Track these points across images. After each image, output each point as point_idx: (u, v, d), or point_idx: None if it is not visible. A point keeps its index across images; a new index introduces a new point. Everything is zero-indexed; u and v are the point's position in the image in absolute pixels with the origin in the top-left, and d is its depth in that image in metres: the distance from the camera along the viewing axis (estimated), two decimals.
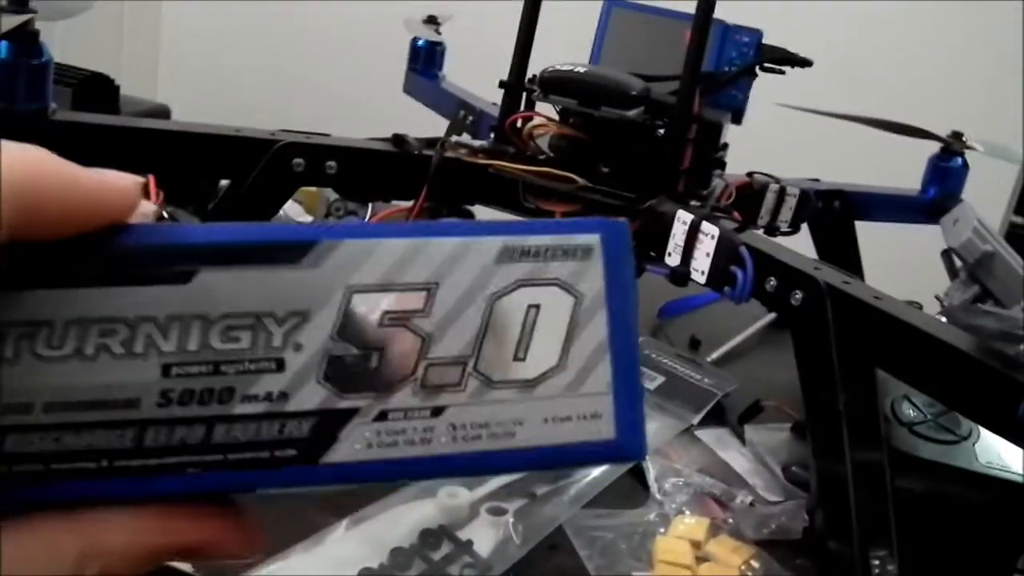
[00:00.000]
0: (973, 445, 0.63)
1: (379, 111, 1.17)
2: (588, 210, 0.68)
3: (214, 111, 1.33)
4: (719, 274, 0.62)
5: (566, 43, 0.84)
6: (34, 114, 0.65)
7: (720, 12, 0.76)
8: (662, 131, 0.69)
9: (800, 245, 0.79)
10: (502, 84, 0.72)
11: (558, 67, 0.68)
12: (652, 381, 0.81)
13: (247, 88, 2.24)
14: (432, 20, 1.06)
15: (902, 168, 0.97)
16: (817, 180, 0.89)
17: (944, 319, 0.78)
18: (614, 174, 0.69)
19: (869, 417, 0.56)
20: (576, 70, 0.68)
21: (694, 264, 0.64)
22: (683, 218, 0.64)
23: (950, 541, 0.61)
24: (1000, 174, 1.91)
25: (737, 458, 0.75)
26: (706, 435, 0.77)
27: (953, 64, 1.87)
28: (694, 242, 0.63)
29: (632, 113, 0.66)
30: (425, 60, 1.05)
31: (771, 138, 1.28)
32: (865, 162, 1.19)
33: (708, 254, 0.63)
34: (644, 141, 0.68)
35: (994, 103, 1.79)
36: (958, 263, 0.87)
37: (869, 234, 0.92)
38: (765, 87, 0.82)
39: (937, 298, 0.88)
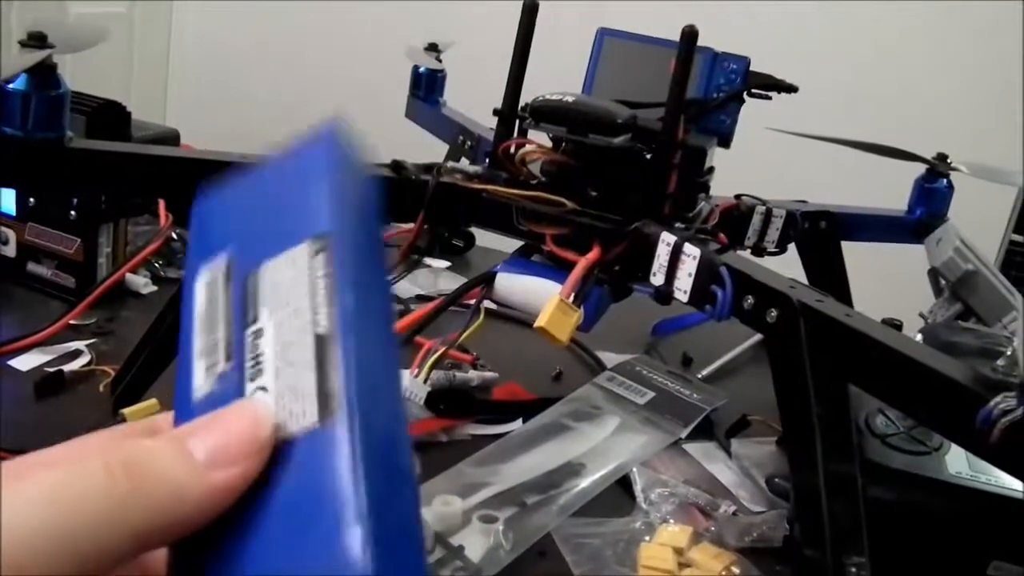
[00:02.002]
0: (944, 456, 0.66)
1: (381, 135, 1.21)
2: (578, 232, 0.71)
3: (221, 135, 1.37)
4: (700, 293, 0.65)
5: (562, 71, 0.87)
6: (52, 142, 0.68)
7: (722, 35, 0.79)
8: (650, 156, 0.72)
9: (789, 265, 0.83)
10: (496, 112, 0.75)
11: (548, 96, 0.71)
12: (642, 396, 0.83)
13: (253, 112, 2.28)
14: (433, 48, 1.10)
15: (895, 189, 0.99)
16: (805, 202, 0.92)
17: (920, 336, 0.81)
18: (602, 198, 0.72)
19: (842, 429, 0.59)
20: (565, 99, 0.71)
21: (677, 284, 0.67)
22: (667, 240, 0.67)
23: (922, 549, 0.64)
24: (1000, 193, 1.94)
25: (723, 470, 0.78)
26: (694, 448, 0.80)
27: (947, 85, 1.90)
28: (677, 263, 0.66)
29: (618, 140, 0.69)
30: (426, 86, 1.09)
31: (764, 161, 1.31)
32: (859, 184, 1.22)
33: (690, 274, 0.66)
34: (631, 166, 0.71)
35: (990, 124, 1.82)
36: (942, 282, 0.90)
37: (860, 253, 0.94)
38: (777, 111, 0.84)
39: (921, 315, 0.92)
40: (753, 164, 1.11)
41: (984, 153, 1.03)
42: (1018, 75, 1.82)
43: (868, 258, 0.98)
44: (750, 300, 0.62)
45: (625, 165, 0.71)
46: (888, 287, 1.17)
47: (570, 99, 0.71)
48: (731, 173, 0.86)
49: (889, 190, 0.99)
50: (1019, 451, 0.48)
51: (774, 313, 0.60)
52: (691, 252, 0.66)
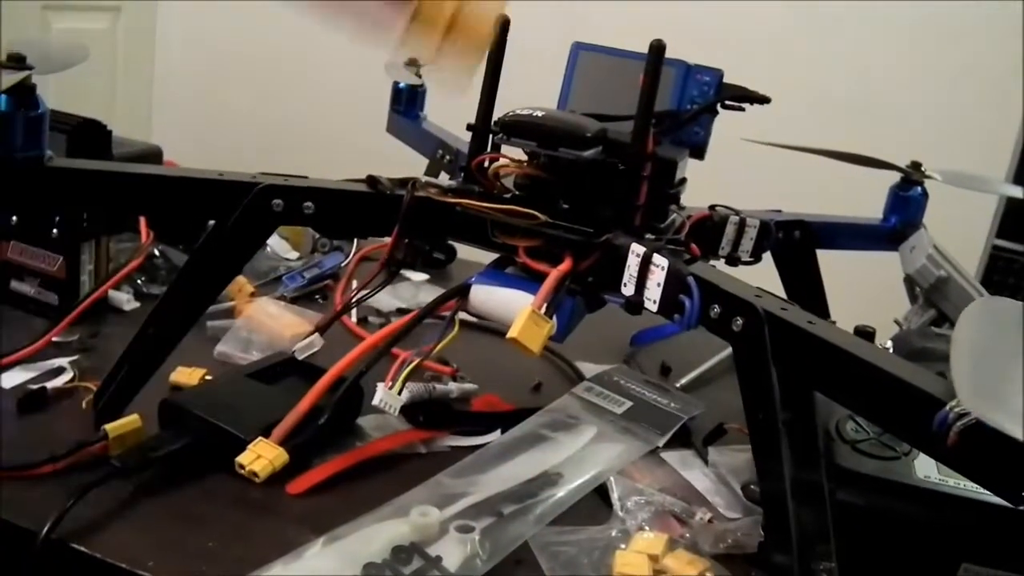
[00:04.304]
0: (913, 461, 0.67)
1: (364, 150, 1.22)
2: (550, 244, 0.72)
3: (206, 150, 1.38)
4: (669, 303, 0.66)
5: (539, 85, 0.88)
6: (31, 162, 0.69)
7: (697, 47, 0.81)
8: (621, 168, 0.73)
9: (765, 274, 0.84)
10: (469, 127, 0.76)
11: (518, 111, 0.73)
12: (620, 406, 0.84)
13: (238, 127, 2.29)
14: (413, 63, 1.11)
15: (871, 197, 1.00)
16: (779, 211, 0.93)
17: (890, 343, 0.82)
18: (574, 210, 0.73)
19: (808, 436, 0.60)
20: (535, 114, 0.72)
21: (647, 294, 0.68)
22: (636, 250, 0.68)
23: (892, 552, 0.65)
24: (982, 198, 1.95)
25: (700, 478, 0.79)
26: (671, 456, 0.81)
27: (922, 93, 1.91)
28: (646, 273, 0.67)
29: (588, 153, 0.70)
30: (406, 101, 1.10)
31: (739, 171, 1.32)
32: (835, 192, 1.23)
33: (659, 284, 0.67)
34: (602, 179, 0.73)
35: (967, 131, 1.84)
36: (917, 288, 0.91)
37: (838, 261, 0.95)
38: (752, 121, 0.86)
39: (896, 322, 0.93)
40: (728, 174, 1.12)
41: (962, 160, 1.04)
42: (997, 81, 1.83)
43: (845, 266, 0.99)
44: (717, 309, 0.63)
45: (596, 178, 0.73)
46: (865, 294, 1.19)
47: (540, 114, 0.72)
48: (706, 183, 0.87)
49: (864, 198, 1.01)
50: (975, 454, 0.49)
51: (740, 322, 0.61)
52: (660, 263, 0.67)
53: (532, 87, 0.87)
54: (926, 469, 0.66)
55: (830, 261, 0.95)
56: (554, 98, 0.84)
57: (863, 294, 1.19)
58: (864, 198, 1.01)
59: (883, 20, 1.90)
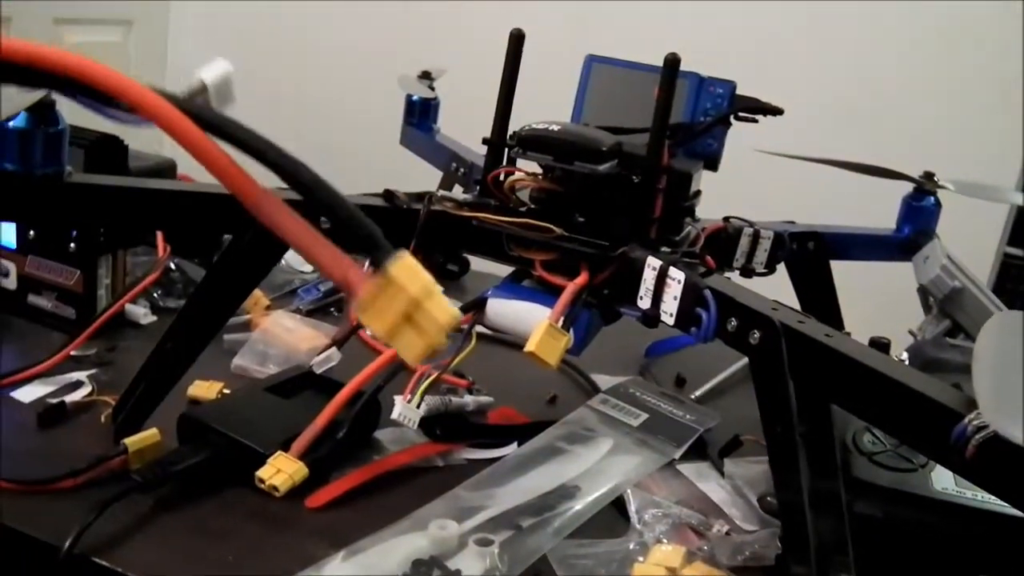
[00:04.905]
0: (929, 473, 0.67)
1: (379, 163, 1.23)
2: (566, 257, 0.73)
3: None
4: (686, 316, 0.67)
5: (553, 97, 0.89)
6: (51, 178, 0.69)
7: (709, 58, 0.81)
8: (636, 181, 0.73)
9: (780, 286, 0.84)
10: (485, 141, 0.77)
11: (534, 125, 0.73)
12: (636, 418, 0.85)
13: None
14: (426, 76, 1.11)
15: (884, 207, 1.00)
16: (793, 223, 0.93)
17: (906, 355, 0.82)
18: (590, 223, 0.73)
19: (825, 448, 0.60)
20: (550, 128, 0.72)
21: (663, 307, 0.68)
22: (652, 264, 0.68)
23: (909, 565, 0.65)
24: (993, 206, 1.95)
25: (716, 490, 0.79)
26: (687, 468, 0.81)
27: (935, 103, 1.91)
28: (663, 286, 0.68)
29: (603, 167, 0.71)
30: (420, 114, 1.10)
31: (753, 182, 1.32)
32: (848, 203, 1.23)
33: (675, 297, 0.67)
34: (617, 192, 0.73)
35: (980, 141, 1.83)
36: (930, 299, 0.91)
37: (852, 271, 0.96)
38: (765, 132, 0.86)
39: (911, 332, 0.93)
40: (742, 185, 1.12)
41: (971, 169, 1.04)
42: (1007, 89, 1.83)
43: (860, 276, 0.99)
44: (734, 322, 0.63)
45: (611, 191, 0.73)
46: (880, 305, 1.19)
47: (555, 128, 0.73)
48: (721, 194, 0.87)
49: (877, 209, 1.01)
50: (993, 467, 0.49)
51: (757, 334, 0.61)
52: (676, 276, 0.67)
53: (544, 100, 0.88)
54: (943, 481, 0.66)
55: (841, 271, 0.95)
56: (563, 110, 0.85)
57: (875, 304, 1.19)
58: (876, 209, 1.01)
59: (892, 29, 1.90)
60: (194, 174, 1.08)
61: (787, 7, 1.93)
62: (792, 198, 1.21)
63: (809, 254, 0.91)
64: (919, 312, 0.91)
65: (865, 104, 1.93)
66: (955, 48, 1.88)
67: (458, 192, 0.86)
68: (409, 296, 0.44)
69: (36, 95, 0.66)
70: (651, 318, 0.69)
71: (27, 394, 0.82)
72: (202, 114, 0.44)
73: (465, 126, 1.05)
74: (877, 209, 1.01)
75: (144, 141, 1.13)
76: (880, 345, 0.76)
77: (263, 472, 0.69)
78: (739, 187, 1.09)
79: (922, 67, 1.91)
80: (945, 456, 0.52)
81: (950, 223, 0.97)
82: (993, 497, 0.63)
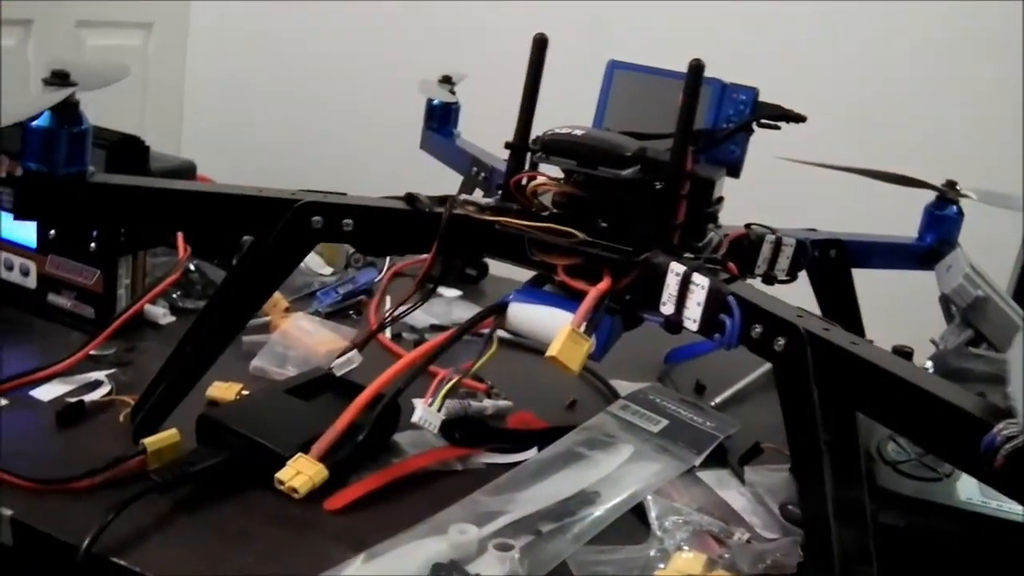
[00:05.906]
0: (954, 482, 0.66)
1: (398, 166, 1.23)
2: (589, 263, 0.72)
3: (236, 165, 1.39)
4: (709, 322, 0.66)
5: (575, 102, 0.89)
6: (74, 178, 0.69)
7: (736, 66, 0.80)
8: (659, 187, 0.73)
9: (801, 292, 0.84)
10: (508, 145, 0.77)
11: (557, 130, 0.73)
12: (656, 424, 0.84)
13: (268, 143, 2.31)
14: (447, 80, 1.11)
15: (906, 215, 1.00)
16: (815, 230, 0.92)
17: (930, 364, 0.81)
18: (613, 229, 0.73)
19: (850, 456, 0.60)
20: (574, 133, 0.72)
21: (686, 313, 0.68)
22: (676, 270, 0.68)
23: (933, 574, 0.64)
24: (1016, 215, 1.94)
25: (736, 497, 0.78)
26: (707, 476, 0.80)
27: (959, 111, 1.90)
28: (686, 292, 0.67)
29: (627, 172, 0.71)
30: (440, 118, 1.11)
31: (775, 189, 1.32)
32: (870, 210, 1.22)
33: (699, 303, 0.67)
34: (640, 197, 0.72)
35: (1002, 149, 1.82)
36: (953, 308, 0.91)
37: (874, 280, 0.95)
38: (788, 139, 0.85)
39: (933, 342, 0.92)
40: (764, 192, 1.12)
41: (997, 179, 1.04)
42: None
43: (881, 284, 0.99)
44: (758, 329, 0.63)
45: (634, 196, 0.73)
46: (902, 313, 1.18)
47: (579, 133, 0.72)
48: (742, 201, 0.87)
49: (898, 217, 1.00)
50: (1023, 477, 0.48)
51: (782, 341, 0.61)
52: (700, 282, 0.67)
53: (566, 104, 0.87)
54: (968, 491, 0.65)
55: (862, 279, 0.94)
56: (585, 116, 0.84)
57: (895, 313, 1.18)
58: (898, 217, 1.00)
59: (912, 38, 1.89)
60: (213, 175, 1.09)
61: (806, 14, 1.93)
62: (810, 205, 1.20)
63: (831, 262, 0.91)
64: (938, 321, 0.91)
65: (885, 112, 1.92)
66: (975, 56, 1.87)
67: (479, 196, 0.86)
68: None
69: (61, 94, 0.67)
70: (674, 324, 0.68)
71: (46, 393, 0.82)
72: None
73: (484, 131, 1.06)
74: (897, 218, 1.00)
75: (159, 142, 1.13)
76: (903, 354, 0.75)
77: (282, 474, 0.69)
78: (758, 193, 1.09)
79: (941, 75, 1.90)
80: (972, 465, 0.51)
81: (969, 230, 0.97)
82: (1018, 507, 0.63)
